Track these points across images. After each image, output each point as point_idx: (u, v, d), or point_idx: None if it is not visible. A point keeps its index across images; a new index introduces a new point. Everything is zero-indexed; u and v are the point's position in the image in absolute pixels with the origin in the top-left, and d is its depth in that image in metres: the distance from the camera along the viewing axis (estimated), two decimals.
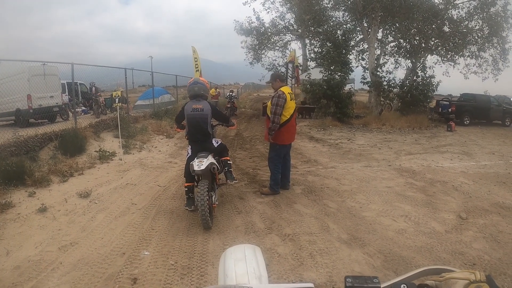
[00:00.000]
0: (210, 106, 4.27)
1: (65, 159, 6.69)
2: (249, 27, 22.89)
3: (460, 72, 18.90)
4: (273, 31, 23.32)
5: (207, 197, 3.72)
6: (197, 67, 13.64)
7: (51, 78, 10.18)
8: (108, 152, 7.43)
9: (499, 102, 16.68)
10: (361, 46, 21.63)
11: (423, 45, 17.24)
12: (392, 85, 15.96)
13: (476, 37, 17.23)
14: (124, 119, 10.32)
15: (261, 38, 23.15)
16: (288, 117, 4.94)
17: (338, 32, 19.91)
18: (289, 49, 23.72)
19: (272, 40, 23.92)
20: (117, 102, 7.12)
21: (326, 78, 14.99)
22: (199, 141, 4.26)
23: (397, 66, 21.04)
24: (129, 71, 14.97)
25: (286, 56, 22.80)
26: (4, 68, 7.83)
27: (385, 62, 19.23)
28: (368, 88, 17.27)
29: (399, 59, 20.76)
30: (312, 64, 22.30)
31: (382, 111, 16.21)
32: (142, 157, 7.66)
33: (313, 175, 6.36)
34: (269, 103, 5.10)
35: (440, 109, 16.50)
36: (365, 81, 16.43)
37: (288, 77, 16.48)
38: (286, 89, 5.01)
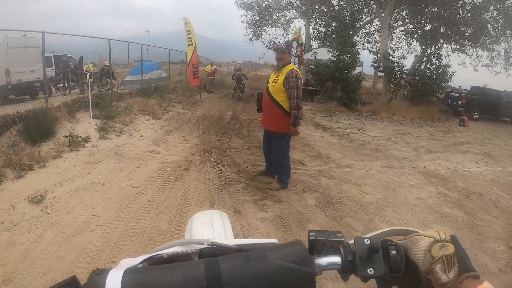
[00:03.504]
0: (241, 73, 15.06)
1: (28, 147, 5.48)
2: (250, 1, 21.33)
3: (470, 63, 17.98)
4: (276, 7, 21.76)
5: (240, 92, 14.67)
6: (191, 41, 12.17)
7: (31, 50, 8.80)
8: (81, 137, 6.19)
9: (509, 99, 15.54)
10: (367, 28, 20.26)
11: (442, 30, 16.15)
12: (405, 71, 14.74)
13: (490, 29, 16.23)
14: (106, 97, 9.03)
15: (262, 13, 21.62)
16: None
17: (345, 12, 18.60)
18: (292, 27, 22.29)
19: (274, 17, 22.39)
20: (88, 77, 5.79)
21: (334, 58, 13.68)
22: (238, 81, 14.57)
23: (410, 52, 19.83)
24: (123, 44, 13.35)
25: (288, 34, 21.39)
26: None
27: (398, 48, 18.13)
28: (377, 74, 16.12)
29: (413, 43, 19.56)
30: (315, 44, 20.94)
31: (391, 98, 15.00)
32: (120, 143, 6.44)
33: (326, 176, 5.24)
34: (278, 84, 4.14)
35: (449, 100, 15.37)
36: (376, 65, 15.18)
37: (292, 56, 15.16)
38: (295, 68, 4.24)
